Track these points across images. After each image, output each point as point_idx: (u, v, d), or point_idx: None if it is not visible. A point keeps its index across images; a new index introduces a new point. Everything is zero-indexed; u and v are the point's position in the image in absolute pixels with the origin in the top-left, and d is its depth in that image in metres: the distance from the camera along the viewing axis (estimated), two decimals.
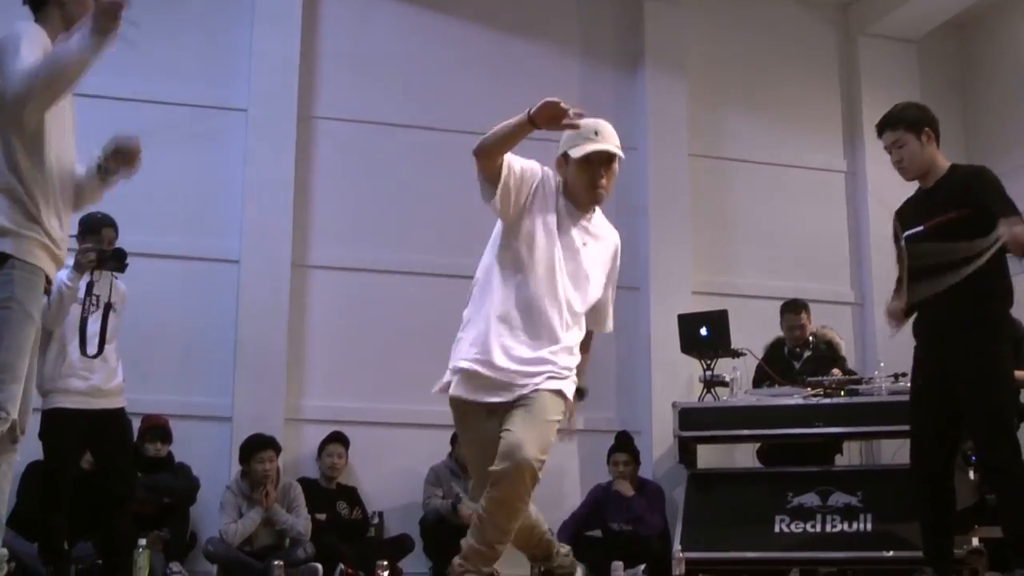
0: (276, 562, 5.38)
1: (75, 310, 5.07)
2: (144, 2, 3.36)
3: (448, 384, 3.66)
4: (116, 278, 5.17)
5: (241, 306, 7.04)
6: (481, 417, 3.62)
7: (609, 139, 3.68)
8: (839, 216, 8.43)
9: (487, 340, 3.57)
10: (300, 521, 6.26)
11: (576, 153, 3.63)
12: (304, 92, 7.47)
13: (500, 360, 3.54)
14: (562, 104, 3.47)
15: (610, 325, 3.96)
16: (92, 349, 4.42)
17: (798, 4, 8.63)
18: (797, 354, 6.84)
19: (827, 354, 6.82)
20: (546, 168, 3.75)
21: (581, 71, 8.15)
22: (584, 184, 3.67)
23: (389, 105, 7.66)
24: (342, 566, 6.22)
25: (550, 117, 3.48)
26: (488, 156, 3.60)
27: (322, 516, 6.48)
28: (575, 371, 3.70)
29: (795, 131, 8.42)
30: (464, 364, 3.59)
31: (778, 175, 8.33)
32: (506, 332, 3.58)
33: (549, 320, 3.60)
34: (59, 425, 5.30)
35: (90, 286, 4.90)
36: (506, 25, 8.07)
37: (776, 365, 6.69)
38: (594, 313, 3.84)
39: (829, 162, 8.45)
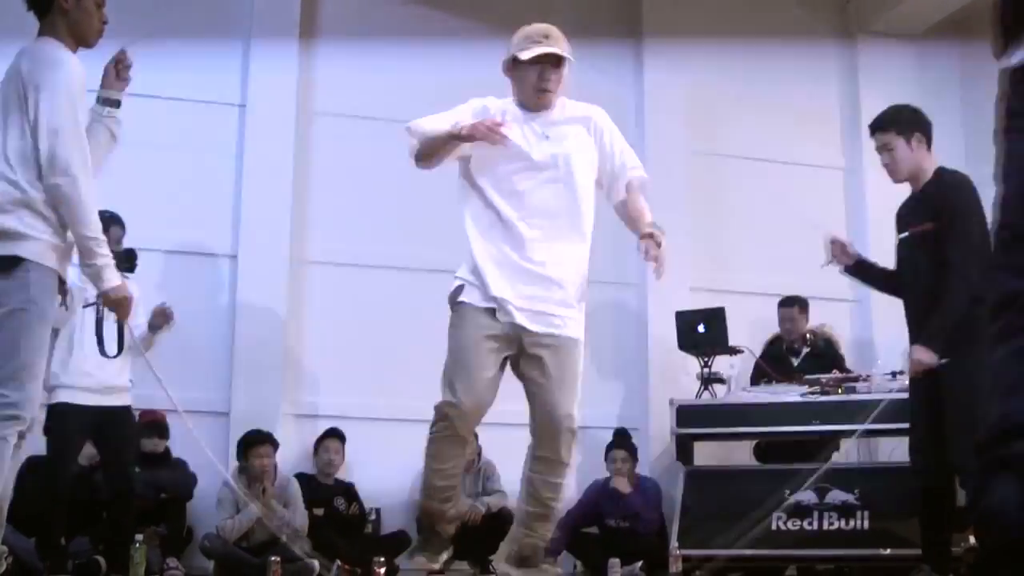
0: (272, 558, 5.37)
1: (85, 309, 5.20)
2: None
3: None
4: (127, 278, 5.17)
5: (238, 301, 7.03)
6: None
7: (557, 42, 3.76)
8: (837, 213, 8.41)
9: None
10: (297, 517, 6.26)
11: (524, 55, 3.67)
12: (303, 87, 7.46)
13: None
14: (490, 125, 3.52)
15: (637, 174, 3.96)
16: (112, 350, 4.54)
17: (798, 2, 8.63)
18: (796, 350, 6.85)
19: (826, 351, 6.82)
20: (485, 101, 3.77)
21: (579, 67, 8.07)
22: (531, 86, 3.72)
23: (388, 100, 7.63)
24: (339, 562, 6.21)
25: (482, 136, 3.52)
26: (427, 164, 3.80)
27: (320, 511, 6.47)
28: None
29: (794, 128, 8.42)
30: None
31: (777, 172, 8.32)
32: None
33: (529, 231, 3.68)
34: (64, 420, 5.35)
35: None
36: (505, 20, 8.02)
37: (775, 362, 6.69)
38: (611, 182, 3.85)
39: (828, 159, 8.45)
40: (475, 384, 3.62)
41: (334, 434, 6.77)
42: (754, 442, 6.84)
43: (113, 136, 4.08)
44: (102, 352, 4.52)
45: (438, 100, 7.65)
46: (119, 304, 3.72)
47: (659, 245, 3.71)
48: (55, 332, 5.15)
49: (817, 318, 7.15)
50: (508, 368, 3.89)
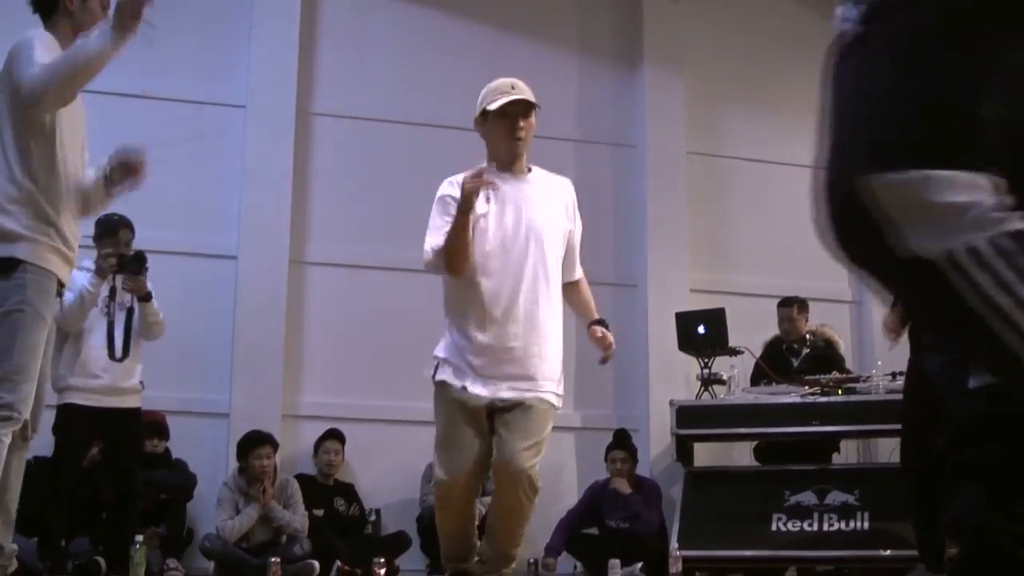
0: (273, 559, 5.38)
1: (95, 311, 5.30)
2: None
3: None
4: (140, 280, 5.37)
5: (239, 302, 7.04)
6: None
7: (525, 92, 3.79)
8: None
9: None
10: (297, 518, 6.26)
11: (493, 106, 3.73)
12: (303, 88, 7.46)
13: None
14: (472, 181, 3.56)
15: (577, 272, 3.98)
16: (119, 352, 4.76)
17: (797, 2, 8.62)
18: (795, 351, 6.85)
19: (825, 352, 6.82)
20: (452, 180, 3.80)
21: (579, 69, 8.15)
22: (503, 134, 3.76)
23: (387, 102, 7.65)
24: (339, 563, 6.21)
25: (471, 193, 3.56)
26: (461, 259, 3.67)
27: (320, 512, 6.48)
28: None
29: (793, 129, 8.39)
30: None
31: (776, 173, 8.32)
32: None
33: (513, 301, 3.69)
34: (71, 421, 5.36)
35: (113, 291, 5.17)
36: (505, 22, 8.06)
37: (774, 362, 6.69)
38: (569, 259, 3.90)
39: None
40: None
41: (334, 435, 6.77)
42: (754, 443, 6.83)
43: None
44: (111, 356, 4.63)
45: (438, 100, 7.75)
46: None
47: (609, 332, 3.83)
48: (66, 335, 5.31)
49: (818, 319, 7.15)
50: None
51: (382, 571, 4.93)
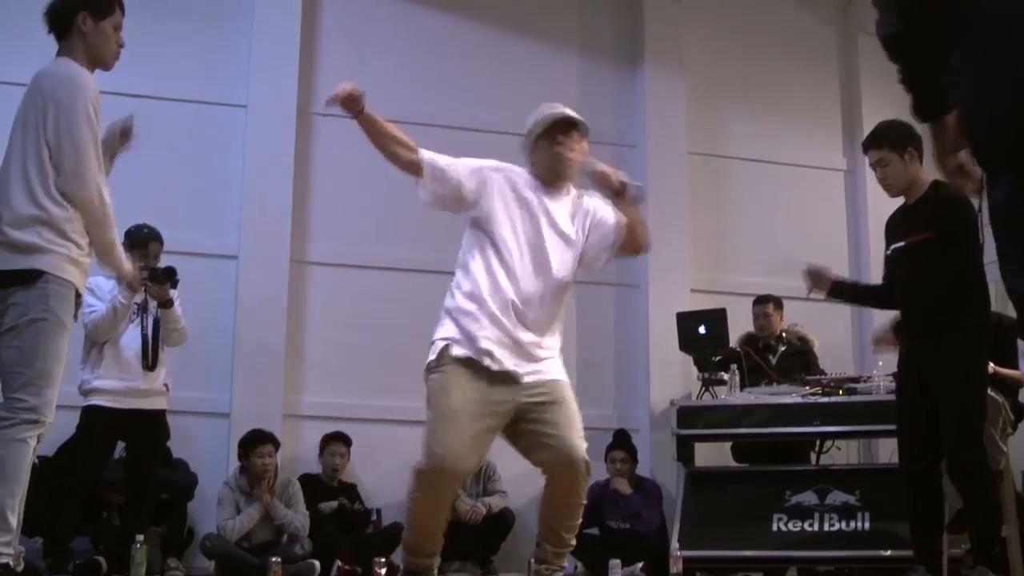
0: (273, 558, 5.37)
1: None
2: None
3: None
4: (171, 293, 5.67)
5: (240, 302, 7.04)
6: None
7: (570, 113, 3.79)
8: (838, 215, 8.42)
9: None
10: (298, 517, 6.26)
11: (538, 126, 3.73)
12: (303, 88, 7.47)
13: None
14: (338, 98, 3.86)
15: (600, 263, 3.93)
16: (151, 362, 5.25)
17: (798, 2, 8.63)
18: (772, 348, 6.91)
19: (801, 350, 6.88)
20: (508, 169, 3.78)
21: (580, 68, 8.15)
22: (549, 154, 3.72)
23: (388, 102, 7.58)
24: (339, 562, 6.21)
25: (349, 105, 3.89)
26: (404, 167, 3.90)
27: (332, 504, 6.46)
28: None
29: (794, 129, 8.42)
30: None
31: (777, 173, 8.33)
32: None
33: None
34: (94, 422, 5.46)
35: (145, 302, 5.48)
36: (506, 22, 8.07)
37: (751, 359, 6.73)
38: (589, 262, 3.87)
39: (828, 161, 8.45)
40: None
41: (339, 438, 6.76)
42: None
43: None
44: (146, 366, 5.31)
45: (439, 100, 7.75)
46: (133, 280, 4.50)
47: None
48: (96, 344, 5.51)
49: (818, 319, 7.15)
50: None
51: (383, 571, 4.91)
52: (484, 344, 3.59)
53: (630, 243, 3.86)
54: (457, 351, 3.62)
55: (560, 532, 3.77)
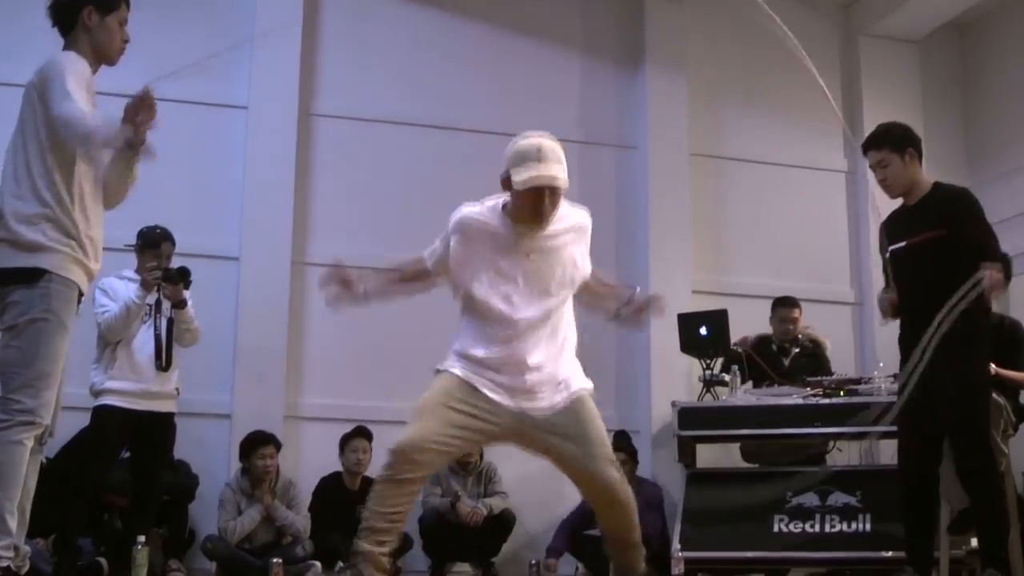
0: (274, 560, 5.38)
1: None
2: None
3: None
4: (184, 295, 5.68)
5: (241, 303, 7.04)
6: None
7: (550, 161, 3.48)
8: (839, 216, 8.43)
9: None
10: (300, 519, 6.26)
11: (517, 180, 3.45)
12: (305, 89, 7.47)
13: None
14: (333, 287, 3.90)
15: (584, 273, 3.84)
16: (165, 363, 5.24)
17: (799, 4, 8.62)
18: (786, 350, 6.87)
19: (814, 352, 6.87)
20: (466, 212, 3.69)
21: (582, 69, 8.15)
22: (528, 210, 3.52)
23: (389, 102, 7.66)
24: (341, 564, 6.21)
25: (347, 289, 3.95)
26: (426, 288, 3.98)
27: (341, 518, 6.42)
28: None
29: (795, 131, 8.42)
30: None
31: (778, 175, 8.33)
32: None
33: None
34: (105, 423, 5.46)
35: (158, 303, 5.47)
36: (507, 23, 8.07)
37: (765, 361, 6.71)
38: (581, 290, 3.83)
39: (829, 162, 8.45)
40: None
41: (361, 433, 6.68)
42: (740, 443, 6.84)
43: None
44: (159, 367, 5.30)
45: (440, 103, 7.75)
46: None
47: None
48: (106, 342, 5.51)
49: (819, 321, 7.16)
50: None
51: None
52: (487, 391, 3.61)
53: (589, 301, 3.88)
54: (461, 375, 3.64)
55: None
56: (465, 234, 3.68)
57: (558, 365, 3.68)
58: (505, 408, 3.58)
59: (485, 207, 3.68)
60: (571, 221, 3.71)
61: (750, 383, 6.60)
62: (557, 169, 3.49)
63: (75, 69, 3.50)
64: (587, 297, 3.89)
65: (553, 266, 3.66)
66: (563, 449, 3.60)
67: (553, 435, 3.59)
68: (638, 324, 3.95)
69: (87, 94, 3.49)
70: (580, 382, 3.71)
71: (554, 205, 3.55)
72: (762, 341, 6.96)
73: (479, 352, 3.61)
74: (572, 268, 3.72)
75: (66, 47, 3.65)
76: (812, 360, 6.77)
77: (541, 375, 3.62)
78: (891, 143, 4.57)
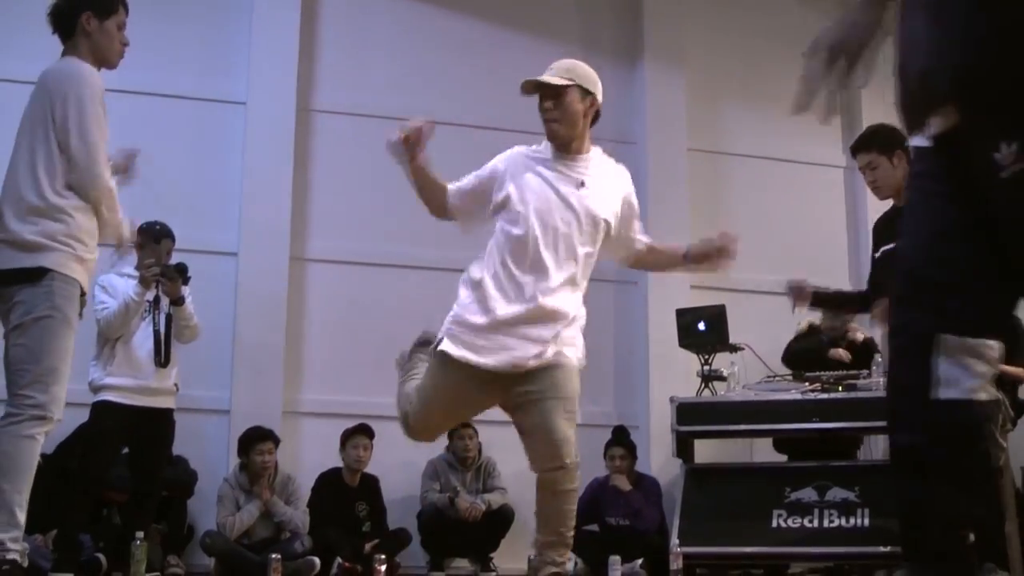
0: (273, 555, 5.38)
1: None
2: None
3: None
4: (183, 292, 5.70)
5: (239, 299, 7.04)
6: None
7: (552, 70, 3.80)
8: (838, 211, 8.42)
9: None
10: (298, 514, 6.27)
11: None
12: (303, 85, 7.47)
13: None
14: (404, 133, 3.80)
15: (638, 245, 3.98)
16: (164, 359, 5.30)
17: (798, 0, 8.62)
18: (836, 344, 6.85)
19: (861, 350, 6.81)
20: (513, 152, 3.79)
21: None
22: (544, 126, 3.73)
23: (388, 98, 7.64)
24: (340, 560, 6.22)
25: (410, 146, 3.83)
26: (435, 211, 3.92)
27: (339, 513, 6.46)
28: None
29: (794, 126, 8.32)
30: None
31: (777, 170, 8.33)
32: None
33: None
34: (107, 418, 5.46)
35: (157, 299, 5.49)
36: (505, 19, 8.06)
37: (806, 354, 6.70)
38: (620, 244, 3.90)
39: (828, 157, 8.44)
40: None
41: (363, 430, 6.69)
42: (753, 440, 6.84)
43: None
44: (159, 363, 5.32)
45: (438, 99, 7.74)
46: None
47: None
48: (105, 339, 5.52)
49: (817, 316, 7.15)
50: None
51: (383, 568, 4.93)
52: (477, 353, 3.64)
53: (645, 264, 3.90)
54: (452, 351, 3.65)
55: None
56: (514, 161, 3.78)
57: (570, 321, 3.75)
58: (500, 371, 3.64)
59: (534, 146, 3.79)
60: (611, 166, 3.86)
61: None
62: (548, 75, 3.73)
63: (95, 94, 3.60)
64: (651, 258, 4.03)
65: (603, 200, 3.74)
66: (531, 399, 3.67)
67: (531, 384, 3.66)
68: (713, 266, 4.11)
69: (102, 109, 3.62)
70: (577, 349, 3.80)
71: (557, 108, 3.72)
72: (809, 333, 6.97)
73: (500, 310, 3.61)
74: (617, 211, 3.79)
75: (66, 52, 3.70)
76: (861, 356, 6.71)
77: (555, 326, 3.67)
78: (879, 145, 4.58)
